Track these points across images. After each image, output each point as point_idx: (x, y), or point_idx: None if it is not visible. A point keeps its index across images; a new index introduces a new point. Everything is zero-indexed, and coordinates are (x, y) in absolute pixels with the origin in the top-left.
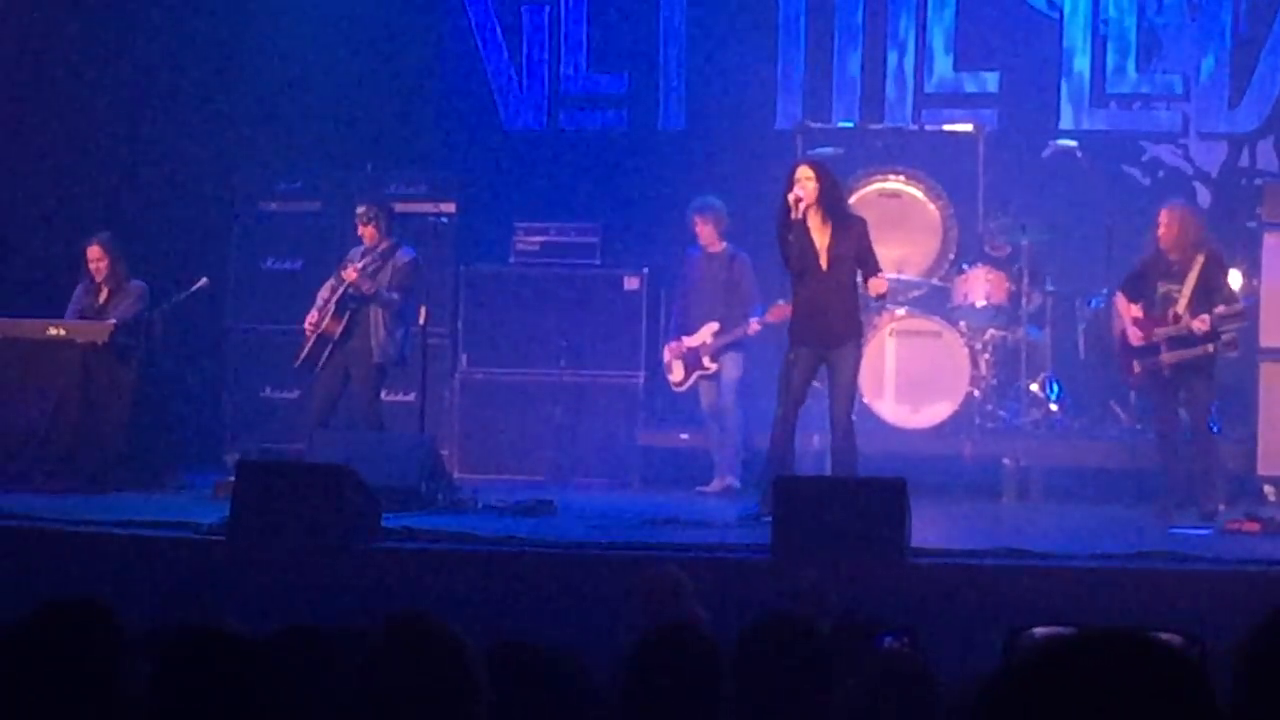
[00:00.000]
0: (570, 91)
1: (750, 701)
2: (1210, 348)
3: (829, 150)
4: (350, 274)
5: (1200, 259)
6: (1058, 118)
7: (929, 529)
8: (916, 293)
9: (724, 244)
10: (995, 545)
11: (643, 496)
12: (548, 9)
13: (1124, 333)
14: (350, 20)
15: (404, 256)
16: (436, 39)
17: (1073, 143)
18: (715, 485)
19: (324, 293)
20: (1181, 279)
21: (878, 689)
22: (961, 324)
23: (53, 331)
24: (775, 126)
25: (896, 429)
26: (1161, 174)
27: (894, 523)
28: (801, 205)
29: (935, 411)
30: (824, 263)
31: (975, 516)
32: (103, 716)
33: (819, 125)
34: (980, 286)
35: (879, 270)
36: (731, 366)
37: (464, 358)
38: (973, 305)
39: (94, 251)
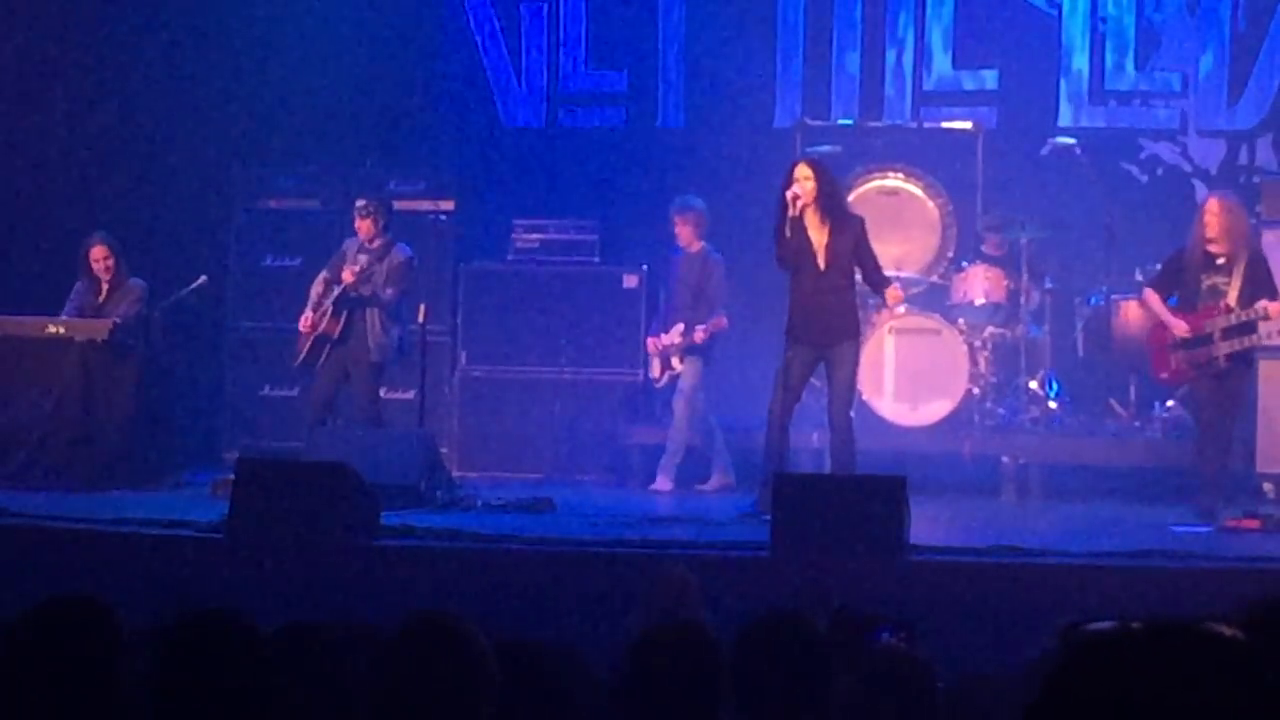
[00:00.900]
0: (569, 89)
1: (750, 698)
2: (1256, 337)
3: (828, 148)
4: (348, 276)
5: (1246, 250)
6: (1056, 115)
7: (928, 526)
8: (915, 290)
9: (701, 245)
10: (994, 543)
11: (642, 493)
12: (546, 6)
13: (1156, 330)
14: (349, 18)
15: (400, 255)
16: (435, 37)
17: (1071, 140)
18: (662, 484)
19: (317, 287)
20: (1229, 271)
21: (875, 685)
22: (960, 322)
23: (52, 329)
24: (774, 124)
25: (895, 426)
26: (1160, 171)
27: (893, 520)
28: (799, 203)
29: (934, 409)
30: (821, 262)
31: (974, 514)
32: (100, 714)
33: (818, 123)
34: (979, 284)
35: (882, 273)
36: (691, 370)
37: (463, 355)
38: (972, 303)
39: (99, 251)
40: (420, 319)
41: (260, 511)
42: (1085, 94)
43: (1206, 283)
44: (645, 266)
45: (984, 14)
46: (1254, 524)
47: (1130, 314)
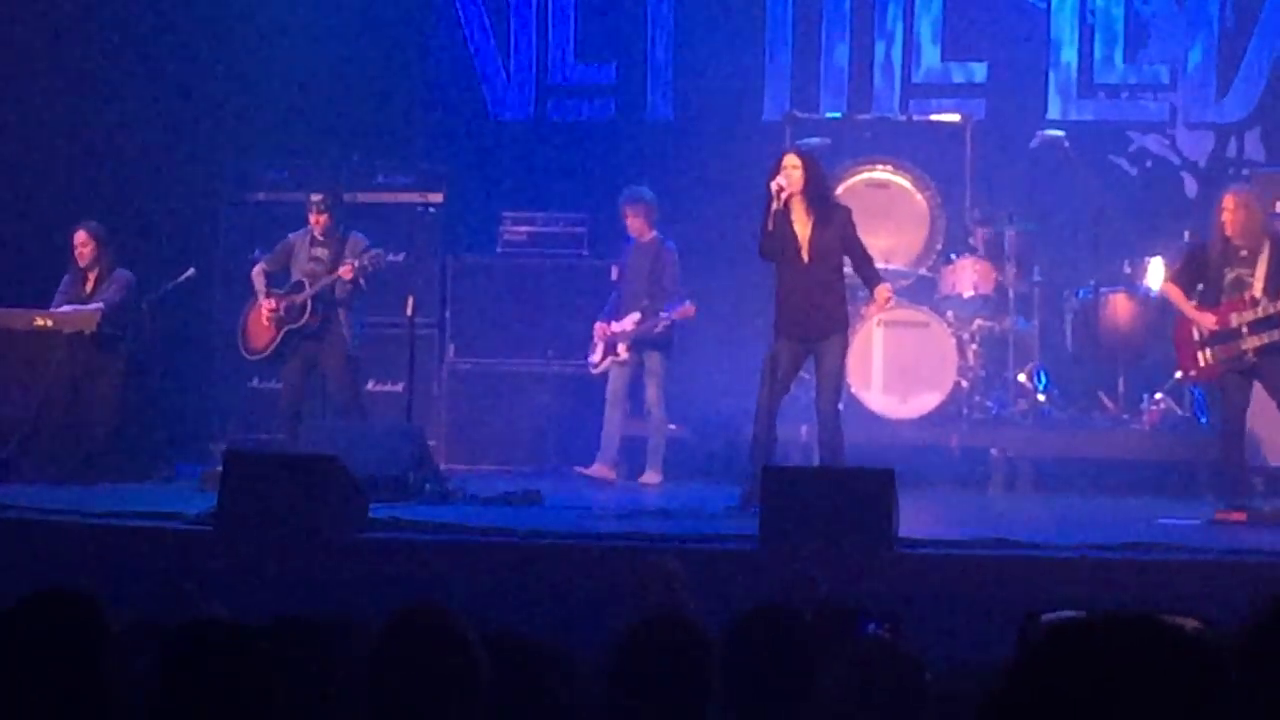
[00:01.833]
0: (558, 82)
1: (740, 691)
2: None
3: (816, 140)
4: (347, 271)
5: (1268, 241)
6: (1045, 108)
7: (917, 519)
8: (904, 283)
9: (653, 234)
10: (983, 535)
11: (630, 486)
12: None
13: (1181, 326)
14: (337, 11)
15: (360, 241)
16: (424, 29)
17: (1060, 133)
18: (595, 470)
19: (259, 279)
20: (1252, 263)
21: (861, 677)
22: (949, 314)
23: (40, 322)
24: (763, 117)
25: (884, 419)
26: (1149, 164)
27: (882, 513)
28: (784, 194)
29: (923, 402)
30: (806, 254)
31: (963, 506)
32: (86, 706)
33: (806, 115)
34: (968, 277)
35: (873, 265)
36: (653, 364)
37: (451, 348)
38: (960, 295)
39: (80, 236)
40: (408, 312)
41: (248, 504)
42: (1074, 87)
43: (1230, 276)
44: None
45: (973, 6)
46: (1241, 517)
47: (1119, 307)
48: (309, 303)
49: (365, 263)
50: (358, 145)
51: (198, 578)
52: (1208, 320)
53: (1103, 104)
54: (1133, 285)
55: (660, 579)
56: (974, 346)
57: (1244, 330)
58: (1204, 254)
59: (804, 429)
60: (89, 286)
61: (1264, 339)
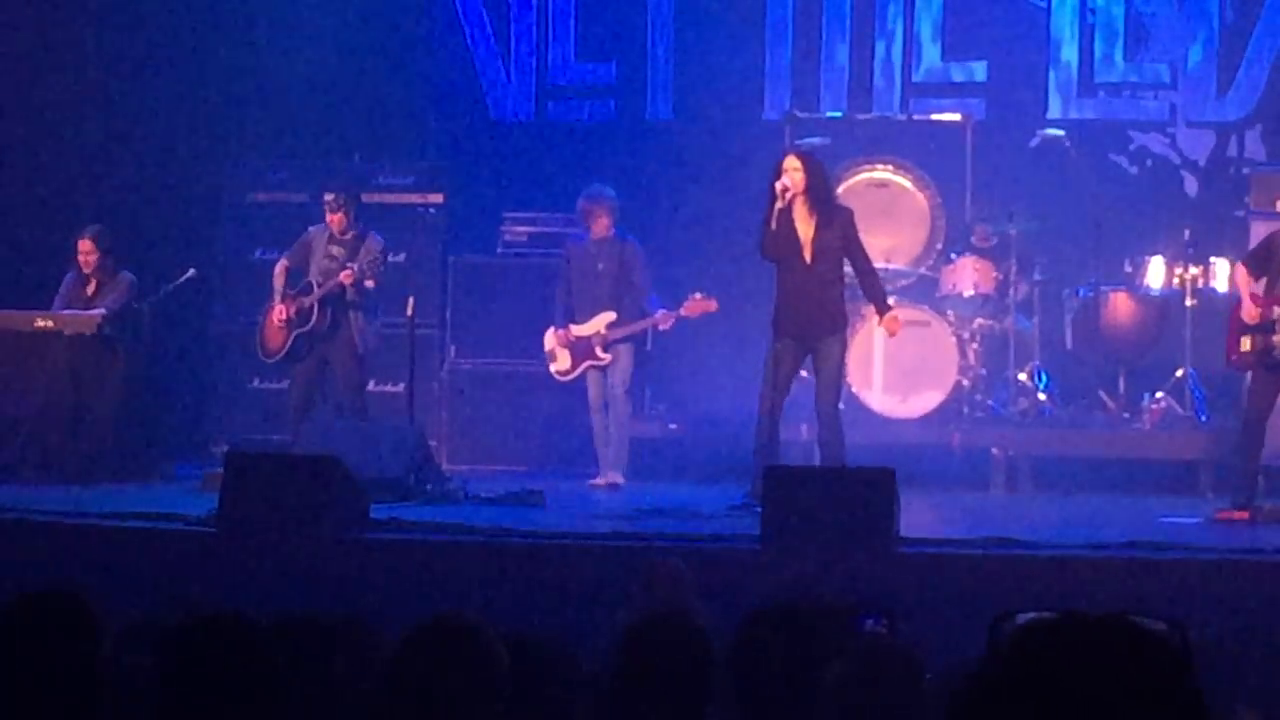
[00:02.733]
0: (558, 82)
1: (748, 691)
2: None
3: (817, 140)
4: (347, 278)
5: None
6: (1045, 107)
7: (918, 518)
8: (904, 282)
9: (612, 231)
10: (984, 534)
11: (631, 486)
12: None
13: (1235, 310)
14: (338, 11)
15: (376, 244)
16: (424, 30)
17: (1060, 132)
18: (602, 480)
19: (279, 278)
20: None
21: (859, 673)
22: (950, 313)
23: (41, 323)
24: (763, 116)
25: (885, 419)
26: (1149, 163)
27: (883, 512)
28: (788, 195)
29: (924, 401)
30: (808, 255)
31: (964, 506)
32: (81, 706)
33: (807, 115)
34: (968, 276)
35: (876, 275)
36: (625, 358)
37: (452, 348)
38: (961, 295)
39: (84, 245)
40: (409, 312)
41: (250, 505)
42: (1074, 86)
43: None
44: None
45: (973, 6)
46: (1243, 515)
47: (1119, 306)
48: (316, 306)
49: (363, 269)
50: (358, 146)
51: (200, 579)
52: (1251, 309)
53: (1103, 103)
54: (1133, 284)
55: (668, 581)
56: (975, 346)
57: (1278, 326)
58: (1272, 242)
59: (804, 428)
60: (91, 289)
61: None
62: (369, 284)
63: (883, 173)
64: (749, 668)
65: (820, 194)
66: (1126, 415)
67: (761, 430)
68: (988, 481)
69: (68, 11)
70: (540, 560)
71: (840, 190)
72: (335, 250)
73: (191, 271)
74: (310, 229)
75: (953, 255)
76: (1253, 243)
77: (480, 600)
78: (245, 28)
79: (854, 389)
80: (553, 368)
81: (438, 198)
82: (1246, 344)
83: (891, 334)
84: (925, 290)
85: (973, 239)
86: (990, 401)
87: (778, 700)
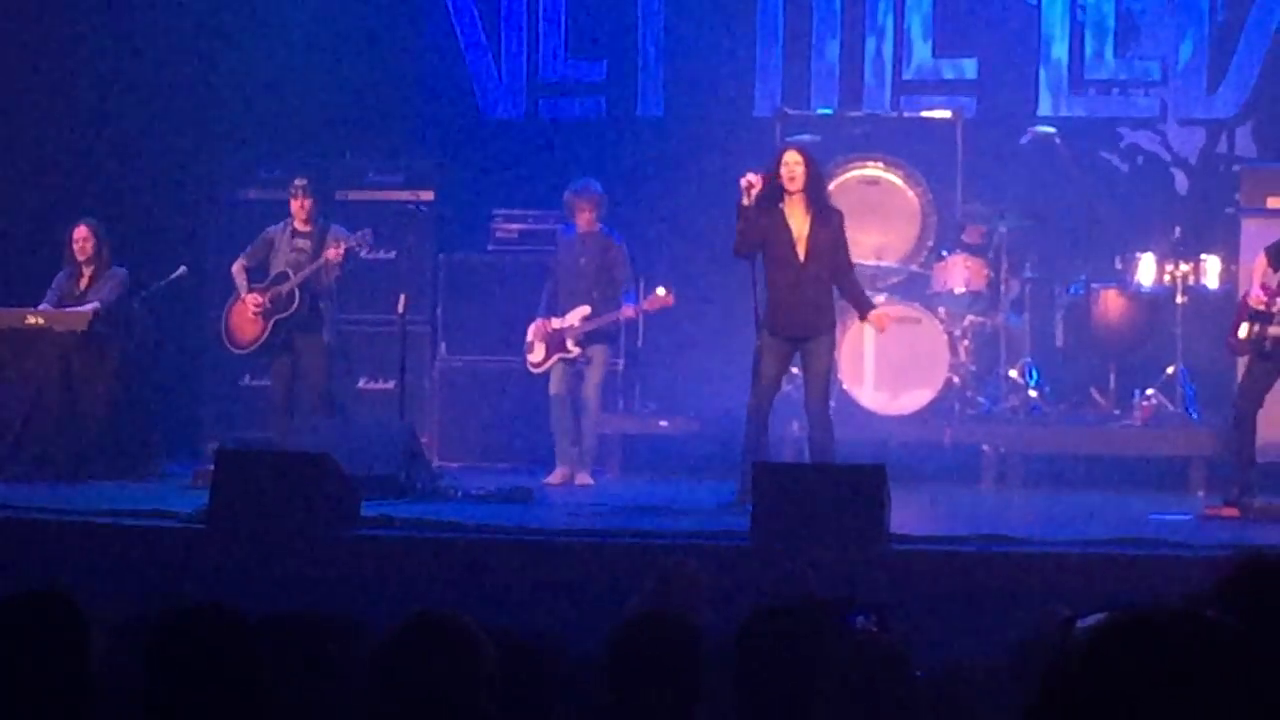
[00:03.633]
0: (548, 79)
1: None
2: None
3: (807, 137)
4: (334, 254)
5: None
6: (1036, 104)
7: (909, 515)
8: (895, 279)
9: (599, 226)
10: (975, 531)
11: (621, 483)
12: None
13: (1247, 293)
14: (328, 8)
15: (342, 232)
16: (415, 27)
17: (1051, 129)
18: (557, 477)
19: (240, 275)
20: None
21: (849, 670)
22: (940, 310)
23: (31, 320)
24: (754, 113)
25: (876, 415)
26: (1140, 160)
27: (874, 509)
28: (753, 191)
29: (914, 398)
30: (801, 253)
31: (955, 503)
32: (68, 705)
33: (797, 112)
34: (959, 273)
35: (856, 278)
36: (598, 357)
37: (443, 346)
38: (952, 292)
39: (80, 231)
40: (400, 309)
41: (240, 502)
42: (1065, 83)
43: None
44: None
45: (963, 3)
46: (1233, 512)
47: (1110, 303)
48: (295, 291)
49: (354, 243)
50: (349, 143)
51: (190, 576)
52: (1259, 295)
53: (1093, 100)
54: (1124, 281)
55: (683, 581)
56: (965, 343)
57: (1277, 318)
58: None
59: (795, 425)
60: (83, 283)
61: None
62: (357, 247)
63: (873, 170)
64: (740, 665)
65: (817, 192)
66: (1117, 412)
67: (751, 427)
68: (979, 478)
69: (58, 9)
70: (530, 557)
71: (831, 187)
72: (301, 243)
73: (183, 269)
74: (269, 228)
75: (943, 252)
76: (1243, 240)
77: (470, 597)
78: (235, 25)
79: (845, 386)
80: (529, 359)
81: (428, 195)
82: (1244, 330)
83: (880, 329)
84: (916, 287)
85: (963, 236)
86: (981, 398)
87: (768, 697)
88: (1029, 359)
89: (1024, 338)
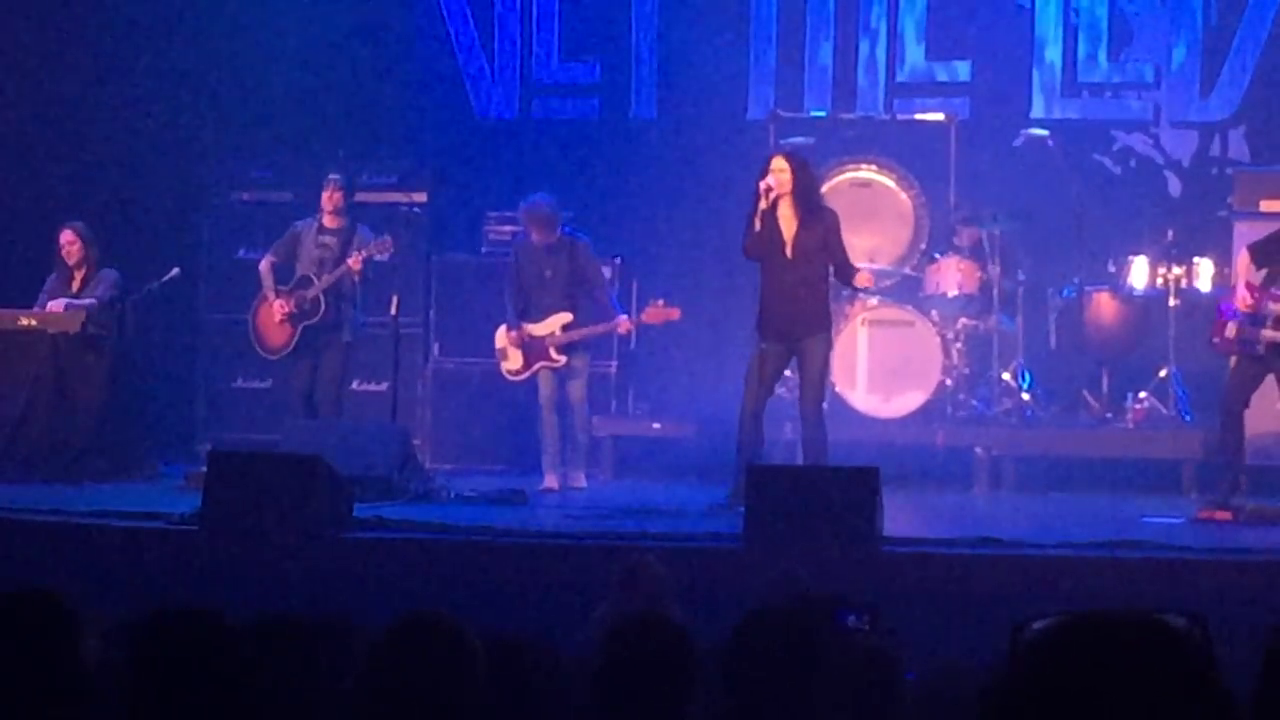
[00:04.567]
0: (542, 80)
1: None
2: None
3: (800, 140)
4: (355, 262)
5: None
6: (1029, 107)
7: (901, 518)
8: (888, 282)
9: (558, 233)
10: (967, 534)
11: (615, 485)
12: None
13: (1228, 294)
14: (321, 9)
15: (368, 235)
16: (408, 28)
17: (1044, 132)
18: (550, 483)
19: (268, 276)
20: None
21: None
22: (933, 313)
23: (24, 321)
24: (747, 115)
25: (868, 418)
26: (1133, 163)
27: (866, 511)
28: (772, 195)
29: (907, 401)
30: (790, 252)
31: (947, 505)
32: (61, 707)
33: (791, 114)
34: (952, 276)
35: (851, 264)
36: (580, 365)
37: (435, 347)
38: (944, 294)
39: (66, 236)
40: (393, 311)
41: (233, 504)
42: (1058, 85)
43: None
44: (619, 258)
45: (957, 5)
46: (1226, 515)
47: (1103, 306)
48: (321, 297)
49: (371, 251)
50: (342, 144)
51: (183, 577)
52: (1245, 296)
53: (1087, 103)
54: (1117, 284)
55: (648, 579)
56: (958, 345)
57: (1269, 322)
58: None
59: (788, 427)
60: (75, 286)
61: (1276, 336)
62: (379, 256)
63: (866, 172)
64: (732, 666)
65: (806, 195)
66: (1110, 415)
67: (745, 430)
68: (971, 481)
69: (48, 12)
70: (523, 559)
71: (824, 190)
72: (327, 240)
73: (175, 271)
74: (297, 224)
75: (936, 255)
76: (1236, 243)
77: (463, 599)
78: (229, 26)
79: (838, 388)
80: (504, 366)
81: (421, 196)
82: (1231, 330)
83: (865, 284)
84: (909, 290)
85: (956, 239)
86: (974, 401)
87: (759, 699)
88: (1022, 362)
89: (1017, 340)
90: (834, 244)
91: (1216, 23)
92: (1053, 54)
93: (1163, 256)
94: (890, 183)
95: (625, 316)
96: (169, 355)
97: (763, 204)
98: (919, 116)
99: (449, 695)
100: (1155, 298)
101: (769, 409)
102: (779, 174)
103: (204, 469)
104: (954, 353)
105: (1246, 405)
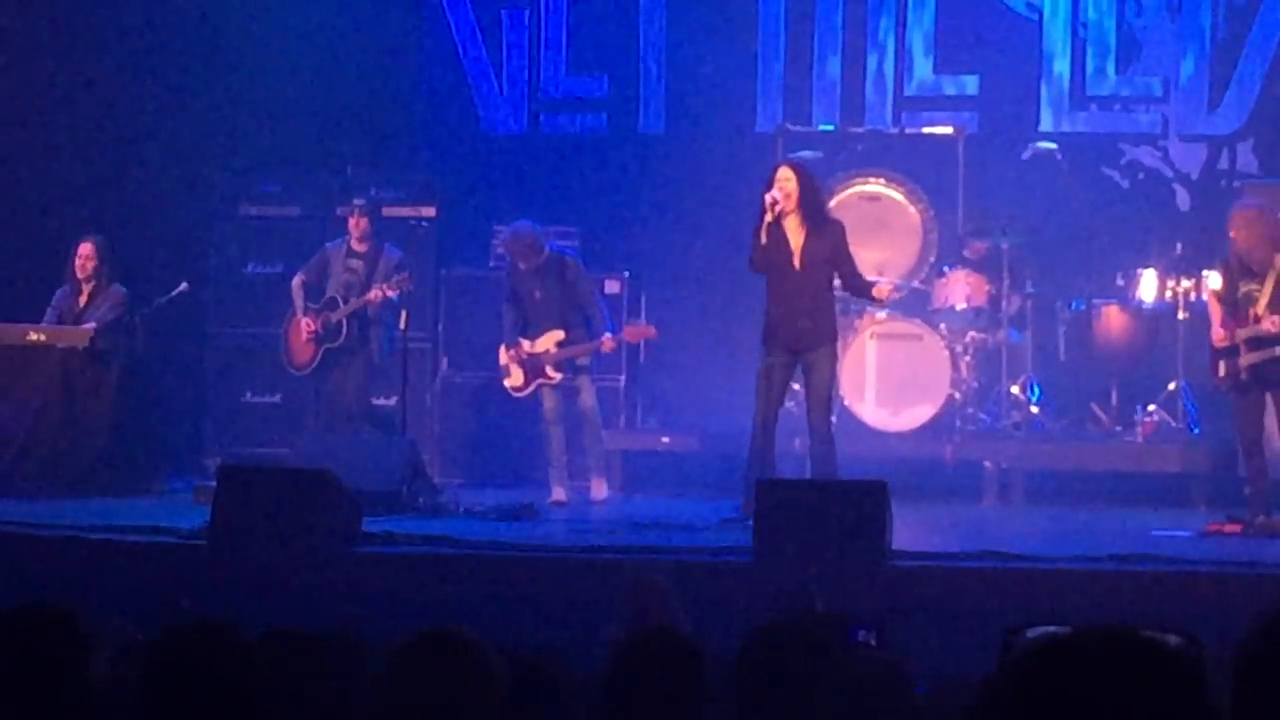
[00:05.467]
0: (550, 95)
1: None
2: (1276, 350)
3: (808, 153)
4: (375, 297)
5: (1278, 258)
6: (1037, 120)
7: (910, 532)
8: (897, 296)
9: (545, 254)
10: (977, 548)
11: (624, 499)
12: (527, 12)
13: (1213, 332)
14: (330, 24)
15: (394, 256)
16: (416, 42)
17: (1052, 145)
18: (559, 494)
19: (299, 293)
20: (1262, 279)
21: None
22: (942, 327)
23: (33, 336)
24: (755, 129)
25: (877, 432)
26: (1141, 176)
27: (875, 525)
28: (777, 207)
29: (916, 414)
30: (797, 264)
31: (956, 519)
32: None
33: (799, 128)
34: (960, 289)
35: (863, 276)
36: (584, 381)
37: (444, 361)
38: (953, 308)
39: (85, 248)
40: (402, 325)
41: (242, 518)
42: (1066, 99)
43: (1243, 290)
44: (627, 272)
45: (965, 19)
46: (1235, 528)
47: (1112, 319)
48: (344, 322)
49: (392, 289)
50: (350, 159)
51: (192, 592)
52: (1218, 333)
53: (1095, 116)
54: (1125, 297)
55: (656, 594)
56: (967, 359)
57: (1242, 348)
58: (1226, 267)
59: (797, 441)
60: (83, 300)
61: (1255, 358)
62: (391, 294)
63: (875, 186)
64: (741, 680)
65: (812, 206)
66: (1119, 428)
67: (755, 443)
68: (980, 494)
69: (57, 24)
70: (532, 573)
71: (832, 204)
72: (354, 264)
73: (184, 285)
74: (327, 245)
75: (945, 268)
76: None
77: (472, 613)
78: (237, 40)
79: (846, 402)
80: (507, 383)
81: (430, 210)
82: (1222, 369)
83: (886, 296)
84: (918, 303)
85: (965, 252)
86: (983, 415)
87: (769, 714)
88: (1031, 375)
89: (1025, 354)
90: (841, 255)
91: (1224, 36)
92: (1061, 67)
93: (1171, 269)
94: (899, 196)
95: (609, 335)
96: (177, 370)
97: (768, 216)
98: (927, 130)
99: (469, 713)
100: (1164, 311)
101: (779, 422)
102: (785, 184)
103: (213, 484)
104: (963, 366)
105: (1262, 430)
